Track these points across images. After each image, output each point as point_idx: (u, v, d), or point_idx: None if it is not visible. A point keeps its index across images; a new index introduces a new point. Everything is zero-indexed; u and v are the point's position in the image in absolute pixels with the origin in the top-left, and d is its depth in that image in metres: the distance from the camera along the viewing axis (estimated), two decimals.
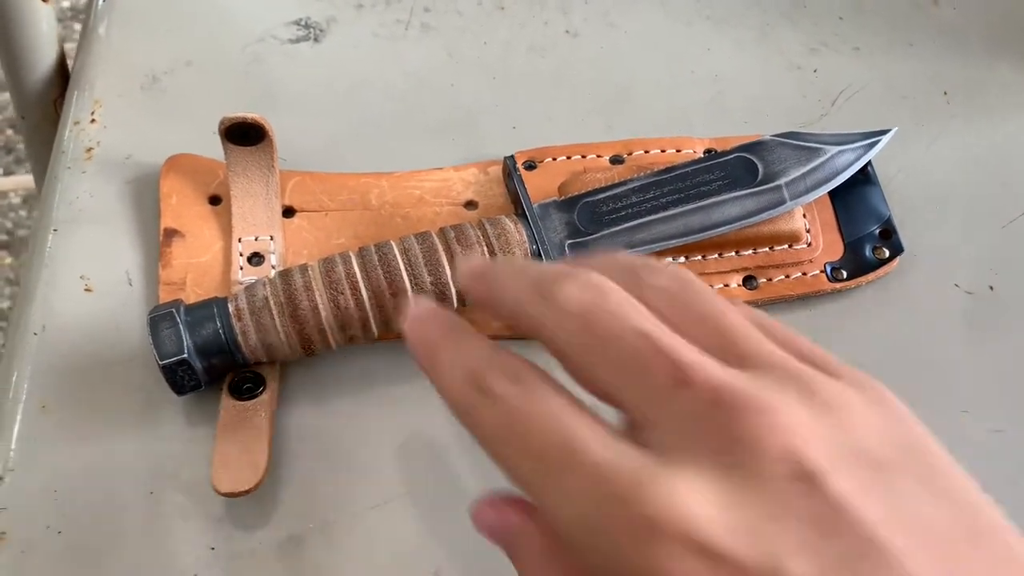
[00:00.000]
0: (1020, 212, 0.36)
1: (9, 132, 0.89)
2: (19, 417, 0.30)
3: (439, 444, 0.30)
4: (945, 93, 0.39)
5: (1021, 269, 0.35)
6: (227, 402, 0.29)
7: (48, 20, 0.37)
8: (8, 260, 0.83)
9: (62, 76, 0.39)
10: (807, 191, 0.33)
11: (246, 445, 0.28)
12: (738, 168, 0.33)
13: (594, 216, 0.32)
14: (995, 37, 0.41)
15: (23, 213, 0.85)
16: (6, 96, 0.90)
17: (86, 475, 0.29)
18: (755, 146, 0.33)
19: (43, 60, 0.38)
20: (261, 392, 0.29)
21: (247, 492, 0.28)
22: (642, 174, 0.33)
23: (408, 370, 0.31)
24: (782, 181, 0.33)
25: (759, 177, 0.33)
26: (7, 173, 0.87)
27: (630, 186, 0.33)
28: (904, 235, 0.35)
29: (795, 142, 0.34)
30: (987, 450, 0.31)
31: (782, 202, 0.32)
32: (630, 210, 0.32)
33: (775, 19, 0.41)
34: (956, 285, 0.34)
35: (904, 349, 0.33)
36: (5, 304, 0.81)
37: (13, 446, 0.29)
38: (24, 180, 0.87)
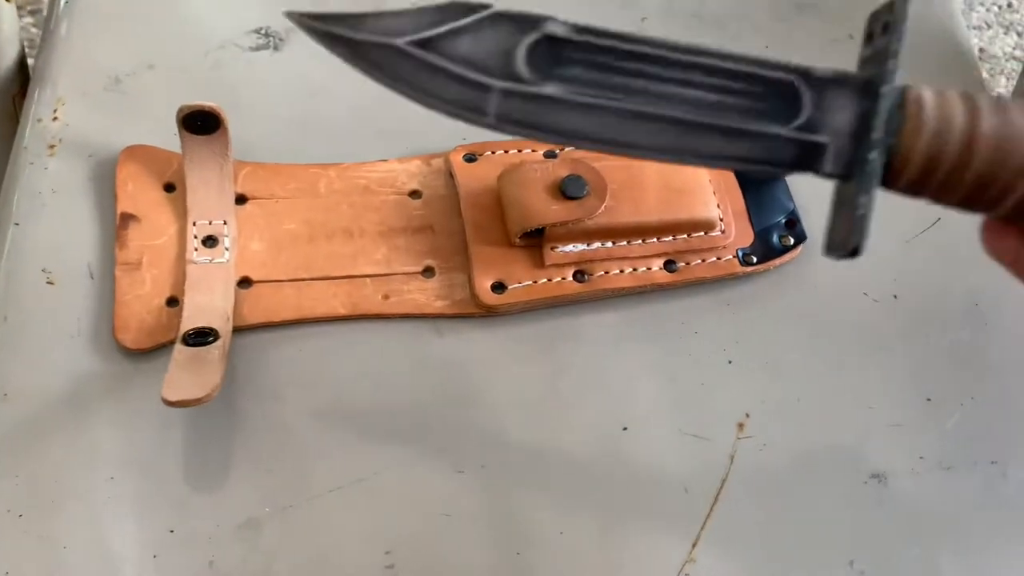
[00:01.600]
0: (923, 228, 0.39)
1: None
2: None
3: (393, 428, 0.32)
4: None
5: (922, 280, 0.38)
6: (179, 347, 0.30)
7: (10, 18, 0.38)
8: None
9: (22, 73, 0.40)
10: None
11: (198, 373, 0.29)
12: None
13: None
14: (905, 69, 0.45)
15: None
16: None
17: (47, 460, 0.30)
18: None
19: (3, 57, 0.38)
20: (212, 341, 0.31)
21: (197, 402, 0.28)
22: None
23: (363, 353, 0.33)
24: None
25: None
26: None
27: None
28: (815, 242, 0.38)
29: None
30: (885, 442, 0.34)
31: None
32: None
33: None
34: (864, 293, 0.38)
35: (811, 329, 0.36)
36: None
37: None
38: None
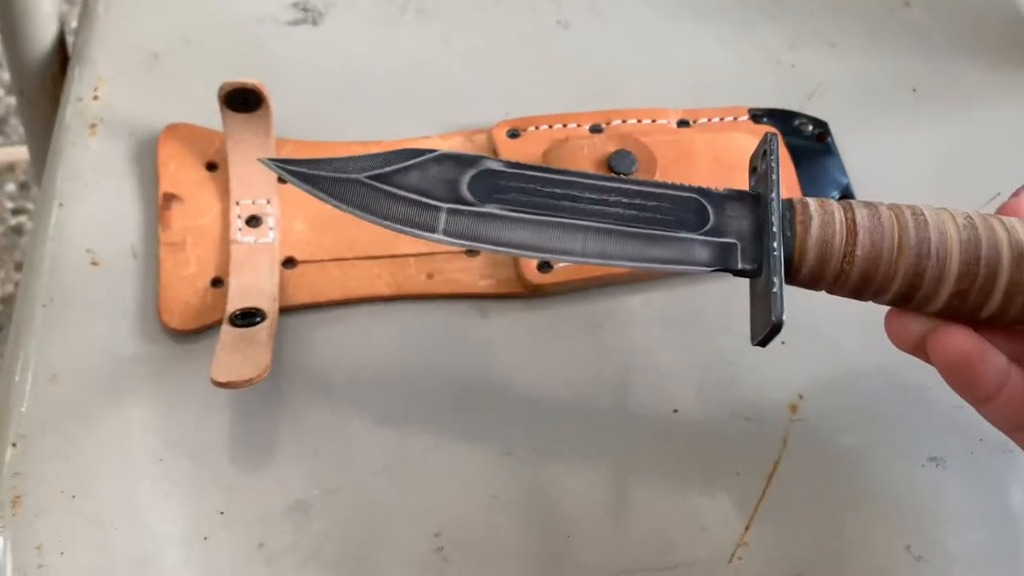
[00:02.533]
0: (981, 204, 0.38)
1: None
2: (29, 386, 0.30)
3: (439, 409, 0.32)
4: (914, 90, 0.41)
5: None
6: (226, 328, 0.30)
7: None
8: None
9: (61, 52, 0.39)
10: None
11: (246, 354, 0.29)
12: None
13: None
14: (961, 38, 0.43)
15: None
16: None
17: (97, 442, 0.30)
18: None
19: (43, 36, 0.38)
20: (260, 321, 0.30)
21: (247, 383, 0.28)
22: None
23: (408, 334, 0.33)
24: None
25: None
26: None
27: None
28: None
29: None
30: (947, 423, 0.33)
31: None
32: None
33: (756, 16, 0.43)
34: None
35: (864, 306, 0.35)
36: None
37: (24, 413, 0.30)
38: None
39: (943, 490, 0.32)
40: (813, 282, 0.27)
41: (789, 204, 0.27)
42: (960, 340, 0.26)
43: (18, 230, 0.81)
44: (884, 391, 0.34)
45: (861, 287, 0.27)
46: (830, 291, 0.28)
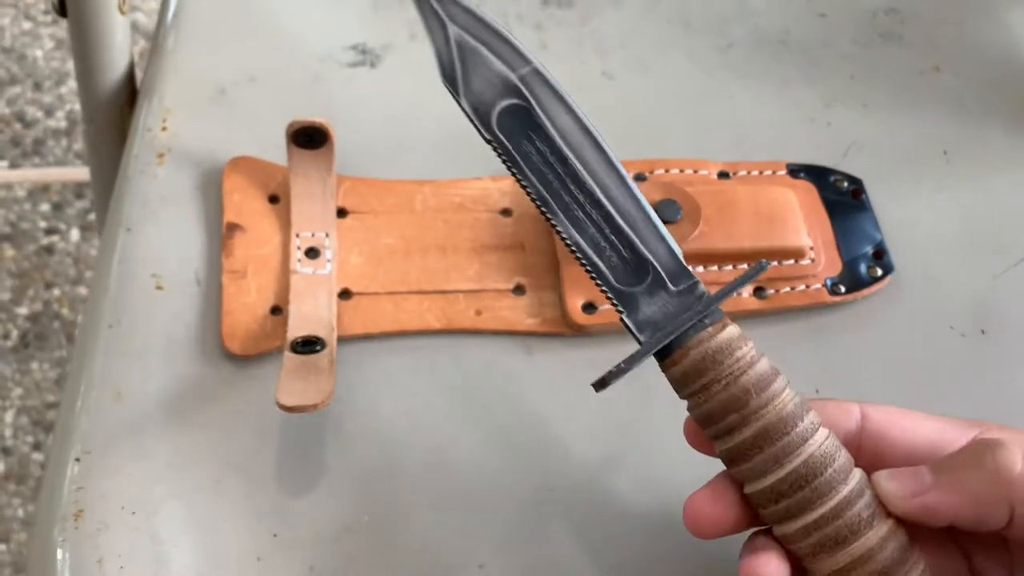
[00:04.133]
0: (1008, 265, 0.39)
1: (17, 126, 0.90)
2: (93, 404, 0.32)
3: (484, 442, 0.33)
4: (945, 152, 0.43)
5: (1010, 316, 0.38)
6: (288, 355, 0.31)
7: (123, 30, 0.40)
8: (10, 253, 0.84)
9: (130, 84, 0.41)
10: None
11: (308, 380, 0.30)
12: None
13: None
14: (990, 102, 0.45)
15: (27, 206, 0.86)
16: (15, 90, 0.91)
17: (158, 460, 0.31)
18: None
19: (116, 68, 0.40)
20: (320, 350, 0.31)
21: (312, 408, 0.29)
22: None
23: (456, 367, 0.34)
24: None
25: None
26: (13, 166, 0.88)
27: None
28: (903, 275, 0.38)
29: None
30: None
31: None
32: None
33: (793, 75, 0.45)
34: (951, 327, 0.38)
35: (896, 360, 0.36)
36: (6, 296, 0.82)
37: (88, 430, 0.31)
38: (30, 174, 0.88)
39: None
40: (679, 385, 0.27)
41: (719, 314, 0.27)
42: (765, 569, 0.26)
43: (50, 249, 0.83)
44: None
45: (710, 419, 0.27)
46: (688, 401, 0.27)
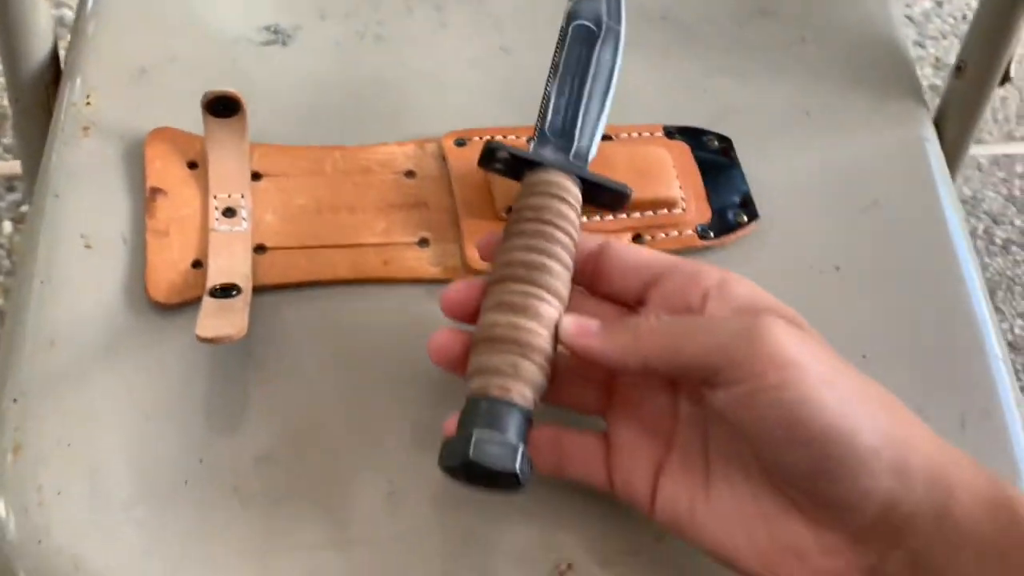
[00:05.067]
0: (860, 209, 0.44)
1: None
2: (29, 349, 0.35)
3: (395, 378, 0.36)
4: (807, 113, 0.48)
5: (860, 255, 0.43)
6: (207, 299, 0.34)
7: (45, 14, 0.42)
8: None
9: (54, 66, 0.44)
10: None
11: (226, 319, 0.33)
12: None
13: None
14: (850, 71, 0.50)
15: None
16: None
17: (92, 399, 0.34)
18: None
19: (39, 50, 0.43)
20: (236, 294, 0.35)
21: (228, 339, 0.32)
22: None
23: (367, 312, 0.37)
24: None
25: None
26: None
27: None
28: (767, 222, 0.43)
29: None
30: None
31: None
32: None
33: (673, 47, 0.49)
34: (810, 266, 0.43)
35: None
36: None
37: (24, 374, 0.34)
38: None
39: None
40: (521, 193, 0.36)
41: (578, 174, 0.36)
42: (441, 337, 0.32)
43: None
44: None
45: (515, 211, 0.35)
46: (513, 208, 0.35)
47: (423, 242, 0.40)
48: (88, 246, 0.37)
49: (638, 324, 0.31)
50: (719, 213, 0.42)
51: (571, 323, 0.32)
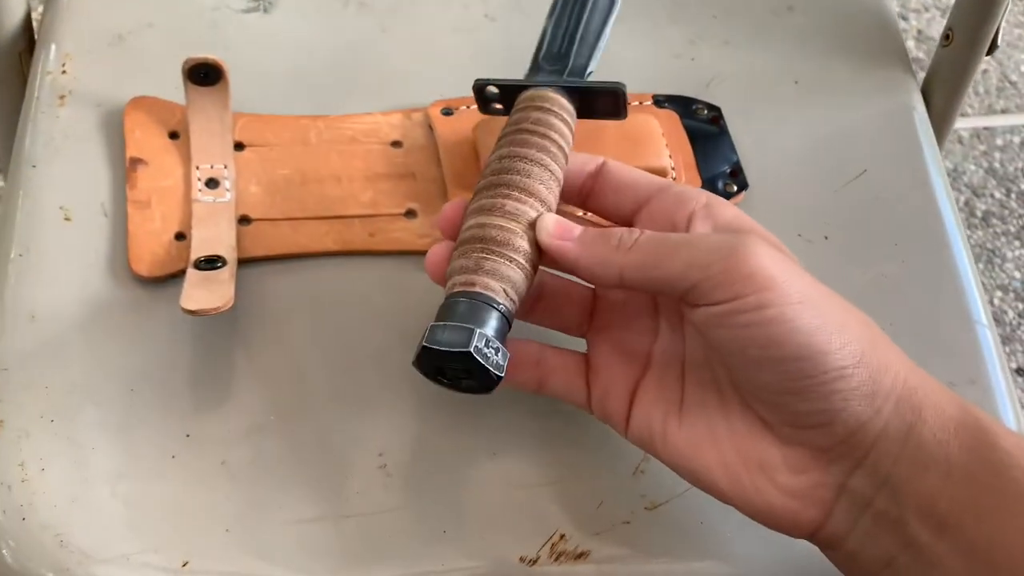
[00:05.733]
0: (849, 179, 0.44)
1: None
2: (8, 324, 0.34)
3: (381, 348, 0.36)
4: (796, 82, 0.47)
5: (848, 223, 0.43)
6: (192, 271, 0.34)
7: None
8: None
9: (28, 32, 0.43)
10: None
11: (211, 290, 0.33)
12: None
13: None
14: (837, 40, 0.49)
15: None
16: None
17: (74, 373, 0.33)
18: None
19: (12, 15, 0.41)
20: (221, 266, 0.34)
21: (214, 310, 0.32)
22: None
23: (354, 284, 0.37)
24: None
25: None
26: None
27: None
28: (756, 190, 0.43)
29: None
30: None
31: None
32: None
33: (660, 15, 0.48)
34: (799, 235, 0.42)
35: None
36: None
37: (4, 348, 0.33)
38: None
39: None
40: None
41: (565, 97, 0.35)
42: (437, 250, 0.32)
43: None
44: None
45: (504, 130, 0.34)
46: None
47: (410, 213, 0.39)
48: (67, 218, 0.36)
49: (620, 236, 0.30)
50: (709, 182, 0.42)
51: (551, 222, 0.31)
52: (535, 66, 0.37)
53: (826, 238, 0.42)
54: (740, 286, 0.28)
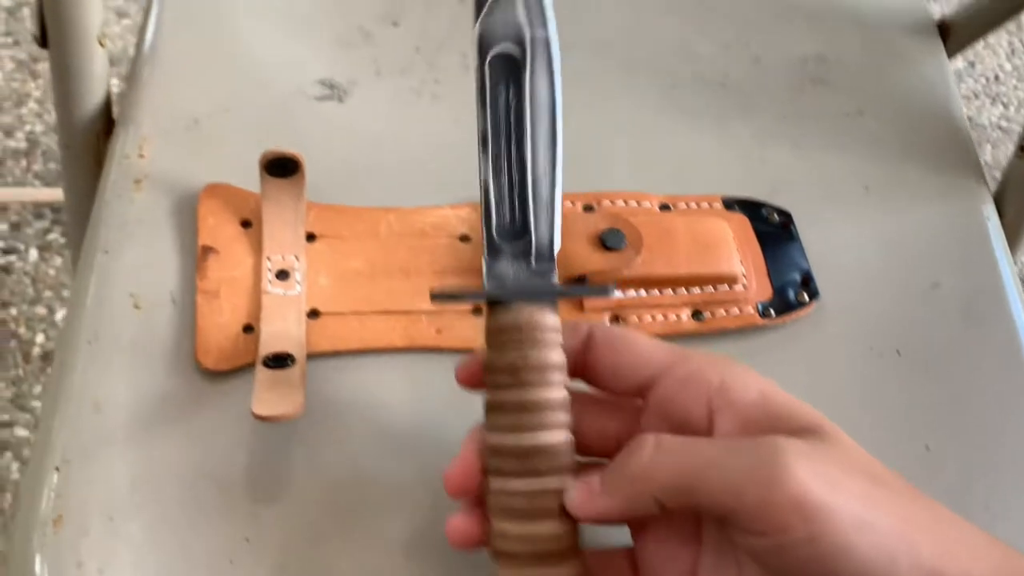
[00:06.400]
0: (921, 290, 0.43)
1: None
2: (73, 415, 0.33)
3: (446, 450, 0.35)
4: (866, 187, 0.47)
5: (923, 338, 0.42)
6: (261, 369, 0.33)
7: (102, 61, 0.42)
8: None
9: (107, 113, 0.43)
10: None
11: (281, 393, 0.32)
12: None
13: None
14: (908, 143, 0.49)
15: None
16: None
17: (136, 469, 0.33)
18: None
19: (93, 97, 0.42)
20: (290, 364, 0.33)
21: (285, 417, 0.31)
22: None
23: (419, 382, 0.36)
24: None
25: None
26: None
27: None
28: (827, 300, 0.42)
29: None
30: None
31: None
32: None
33: (730, 114, 0.48)
34: (871, 348, 0.41)
35: (821, 378, 0.39)
36: None
37: (68, 440, 0.33)
38: None
39: None
40: (490, 332, 0.30)
41: (551, 303, 0.29)
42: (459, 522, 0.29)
43: (7, 269, 0.83)
44: None
45: (492, 370, 0.29)
46: (488, 351, 0.30)
47: (477, 310, 0.39)
48: (137, 306, 0.36)
49: (638, 463, 0.27)
50: (780, 290, 0.41)
51: (575, 494, 0.28)
52: (492, 247, 0.30)
53: (899, 353, 0.41)
54: (785, 519, 0.25)
